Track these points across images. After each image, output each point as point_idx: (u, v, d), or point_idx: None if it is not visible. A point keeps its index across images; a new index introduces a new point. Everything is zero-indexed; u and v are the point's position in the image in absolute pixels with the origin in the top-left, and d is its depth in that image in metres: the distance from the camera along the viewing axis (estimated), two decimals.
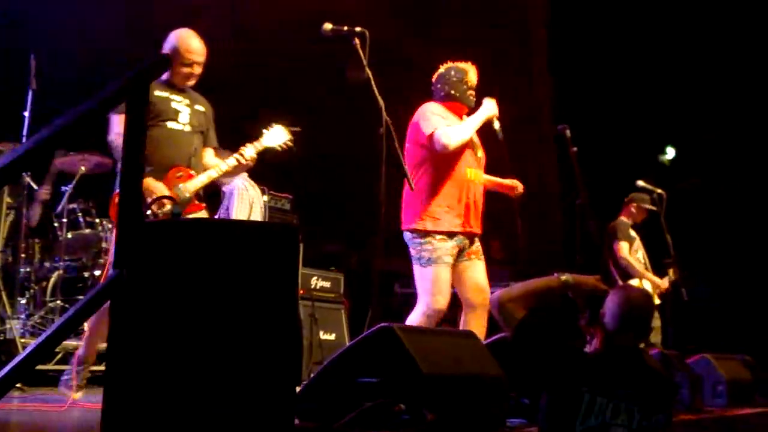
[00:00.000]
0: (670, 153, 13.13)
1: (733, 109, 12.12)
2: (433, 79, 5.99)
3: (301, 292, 7.67)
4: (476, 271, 5.75)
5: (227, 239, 3.10)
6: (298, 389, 3.78)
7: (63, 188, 7.55)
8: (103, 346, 6.38)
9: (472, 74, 5.95)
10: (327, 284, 8.31)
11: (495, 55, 11.25)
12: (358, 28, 5.27)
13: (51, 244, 7.51)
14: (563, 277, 3.83)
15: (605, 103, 10.63)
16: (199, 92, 5.60)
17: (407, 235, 5.73)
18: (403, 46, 9.98)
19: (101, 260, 7.28)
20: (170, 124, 5.34)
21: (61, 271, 7.23)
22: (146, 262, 3.04)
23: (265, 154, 5.57)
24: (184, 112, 5.43)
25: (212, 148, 5.60)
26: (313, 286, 8.08)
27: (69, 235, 7.42)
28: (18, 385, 5.27)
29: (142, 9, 8.68)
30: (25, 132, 6.77)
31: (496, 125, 5.85)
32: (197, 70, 5.45)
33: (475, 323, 5.55)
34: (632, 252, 8.82)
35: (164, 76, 5.43)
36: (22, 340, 6.02)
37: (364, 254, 10.55)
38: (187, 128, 5.40)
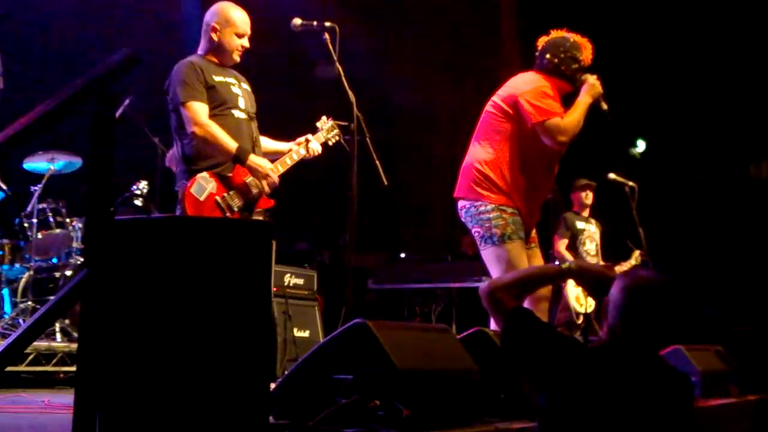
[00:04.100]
0: (641, 146, 13.18)
1: (705, 101, 12.18)
2: (540, 45, 5.44)
3: (275, 289, 7.64)
4: (539, 259, 5.39)
5: (199, 236, 3.06)
6: (272, 386, 3.76)
7: (32, 188, 7.48)
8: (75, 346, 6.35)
9: (588, 52, 5.39)
10: (300, 281, 8.27)
11: (464, 41, 11.30)
12: (327, 23, 5.23)
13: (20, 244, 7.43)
14: (564, 265, 3.48)
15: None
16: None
17: (471, 211, 5.24)
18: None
19: (72, 260, 7.22)
20: (235, 113, 5.15)
21: (31, 272, 7.15)
22: (117, 260, 3.00)
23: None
24: (241, 97, 5.22)
25: None
26: (286, 284, 8.03)
27: (39, 235, 7.34)
28: None
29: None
30: None
31: (604, 106, 5.38)
32: (247, 43, 5.26)
33: (540, 315, 4.96)
34: (579, 245, 8.83)
35: (210, 56, 5.22)
36: None
37: (336, 251, 10.55)
38: (245, 115, 5.20)
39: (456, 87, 11.18)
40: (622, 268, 8.45)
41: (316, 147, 5.40)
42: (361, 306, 9.43)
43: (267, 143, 5.45)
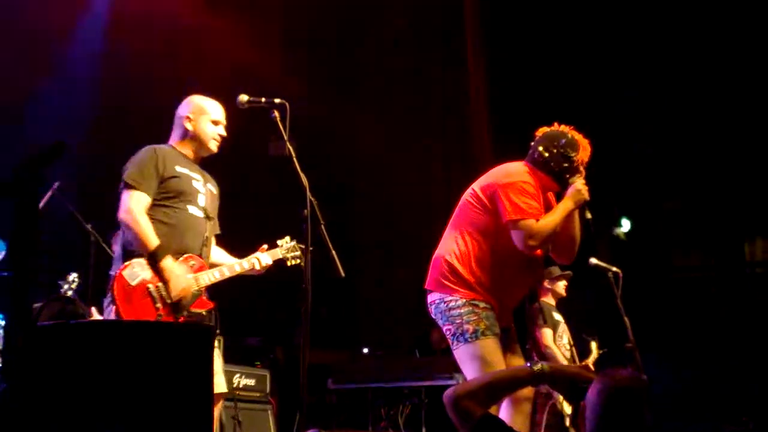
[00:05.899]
0: (626, 225, 13.23)
1: (691, 178, 12.36)
2: (538, 134, 5.45)
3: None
4: (519, 356, 5.34)
5: (132, 341, 3.03)
6: None
7: None
8: None
9: (585, 153, 5.36)
10: (251, 382, 8.19)
11: (433, 120, 11.41)
12: (277, 100, 5.18)
13: None
14: (536, 367, 3.42)
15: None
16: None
17: (441, 307, 5.20)
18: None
19: None
20: (190, 208, 5.23)
21: None
22: (40, 370, 2.96)
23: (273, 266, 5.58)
24: (201, 195, 5.32)
25: (215, 235, 5.50)
26: (236, 385, 7.92)
27: None
28: None
29: None
30: None
31: (588, 215, 5.36)
32: (224, 131, 5.42)
33: (522, 419, 5.10)
34: (557, 338, 8.77)
35: (181, 146, 5.37)
36: None
37: (290, 347, 10.47)
38: (202, 214, 5.29)
39: (424, 169, 11.24)
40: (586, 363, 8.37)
41: (265, 261, 5.51)
42: (320, 408, 9.33)
43: (218, 256, 5.52)
